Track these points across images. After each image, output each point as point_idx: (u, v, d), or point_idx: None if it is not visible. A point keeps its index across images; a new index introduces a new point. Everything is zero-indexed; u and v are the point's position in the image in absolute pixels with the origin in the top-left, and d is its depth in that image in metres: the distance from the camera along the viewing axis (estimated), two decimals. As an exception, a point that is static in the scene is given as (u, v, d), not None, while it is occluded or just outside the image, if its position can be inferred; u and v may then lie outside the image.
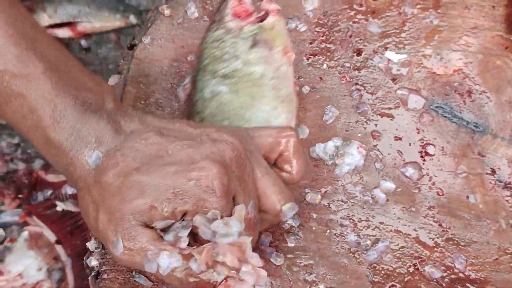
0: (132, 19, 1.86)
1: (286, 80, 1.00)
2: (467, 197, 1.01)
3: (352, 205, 1.00)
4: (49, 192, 1.59)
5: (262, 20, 1.02)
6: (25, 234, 1.49)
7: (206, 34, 1.04)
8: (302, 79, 1.08)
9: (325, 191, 1.00)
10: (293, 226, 0.98)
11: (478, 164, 1.03)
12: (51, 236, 1.50)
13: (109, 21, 1.87)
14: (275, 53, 1.00)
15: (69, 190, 1.59)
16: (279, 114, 0.99)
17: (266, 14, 1.02)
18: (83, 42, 1.87)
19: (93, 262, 0.97)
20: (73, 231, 1.52)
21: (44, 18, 1.82)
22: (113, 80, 1.09)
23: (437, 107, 1.06)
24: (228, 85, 0.99)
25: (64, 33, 1.85)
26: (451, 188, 1.01)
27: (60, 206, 1.55)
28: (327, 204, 1.00)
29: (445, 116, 1.06)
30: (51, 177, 1.61)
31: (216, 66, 1.00)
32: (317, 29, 1.12)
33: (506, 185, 1.01)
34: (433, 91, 1.07)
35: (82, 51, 1.87)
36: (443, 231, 0.98)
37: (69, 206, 1.56)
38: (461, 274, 0.96)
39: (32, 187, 1.60)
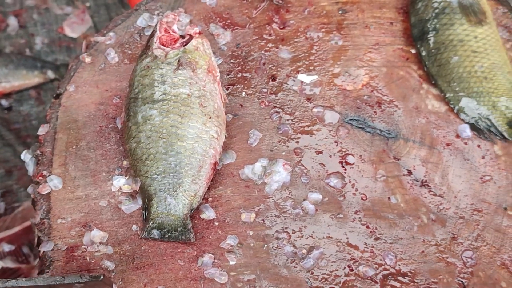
0: (50, 74, 1.90)
1: (212, 97, 1.07)
2: (389, 198, 1.08)
3: (285, 219, 1.06)
4: (-13, 251, 1.60)
5: (186, 44, 1.09)
6: (-35, 296, 1.48)
7: (136, 64, 1.10)
8: (224, 107, 1.14)
9: (259, 209, 1.06)
10: (232, 245, 1.03)
11: (395, 167, 1.11)
12: (-8, 295, 1.49)
13: (28, 79, 1.90)
14: (199, 73, 1.07)
15: (6, 247, 1.59)
16: (209, 129, 1.05)
17: (191, 38, 1.10)
18: (3, 102, 1.89)
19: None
20: (14, 287, 1.52)
21: (-38, 82, 1.84)
22: (43, 129, 1.12)
23: (351, 119, 1.14)
24: (158, 108, 1.05)
25: (-17, 95, 1.87)
26: (373, 192, 1.09)
27: (-1, 264, 1.55)
28: (262, 221, 1.06)
29: (360, 127, 1.14)
30: (-13, 237, 1.62)
31: (146, 93, 1.06)
32: (232, 60, 1.19)
33: (422, 183, 1.10)
34: (346, 106, 1.15)
35: (4, 110, 1.89)
36: (370, 232, 1.06)
37: (8, 263, 1.57)
38: (392, 269, 1.03)
39: (-31, 248, 1.60)
